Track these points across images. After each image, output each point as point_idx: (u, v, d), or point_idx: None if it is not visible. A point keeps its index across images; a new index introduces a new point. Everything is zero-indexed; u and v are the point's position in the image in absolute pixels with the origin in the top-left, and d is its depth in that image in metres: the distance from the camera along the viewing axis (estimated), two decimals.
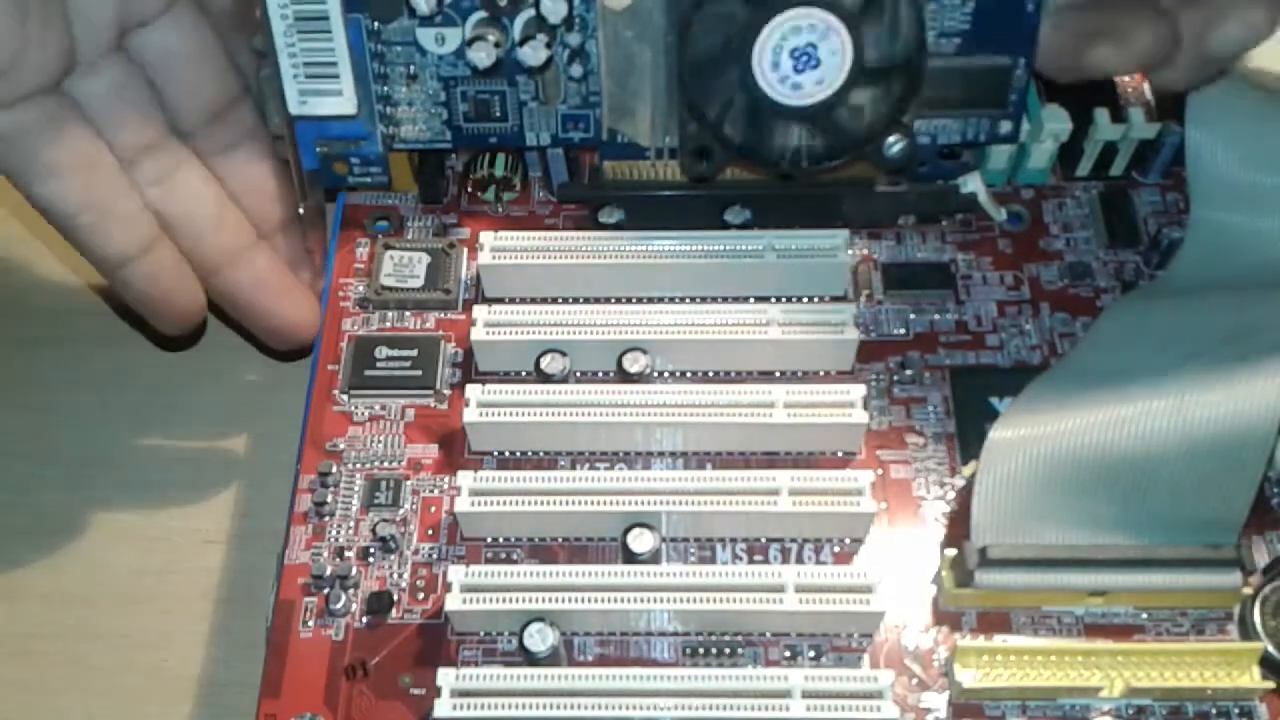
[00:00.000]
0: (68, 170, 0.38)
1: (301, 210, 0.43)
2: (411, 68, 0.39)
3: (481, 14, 0.38)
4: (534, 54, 0.38)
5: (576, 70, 0.39)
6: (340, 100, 0.40)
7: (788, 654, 0.36)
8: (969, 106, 0.40)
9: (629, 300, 0.41)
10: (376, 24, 0.39)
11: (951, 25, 0.38)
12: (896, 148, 0.39)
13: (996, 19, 0.38)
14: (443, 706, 0.33)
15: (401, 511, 0.38)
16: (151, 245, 0.41)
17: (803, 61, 0.36)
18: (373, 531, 0.38)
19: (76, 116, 0.39)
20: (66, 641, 0.42)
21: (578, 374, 0.40)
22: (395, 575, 0.37)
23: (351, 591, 0.37)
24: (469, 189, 0.44)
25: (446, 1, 0.38)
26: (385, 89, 0.40)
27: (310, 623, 0.36)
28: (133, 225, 0.40)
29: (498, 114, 0.41)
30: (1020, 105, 0.40)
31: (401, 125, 0.41)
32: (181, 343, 0.46)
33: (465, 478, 0.36)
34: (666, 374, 0.40)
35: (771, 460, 0.39)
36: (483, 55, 0.38)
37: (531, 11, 0.37)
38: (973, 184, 0.42)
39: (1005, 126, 0.41)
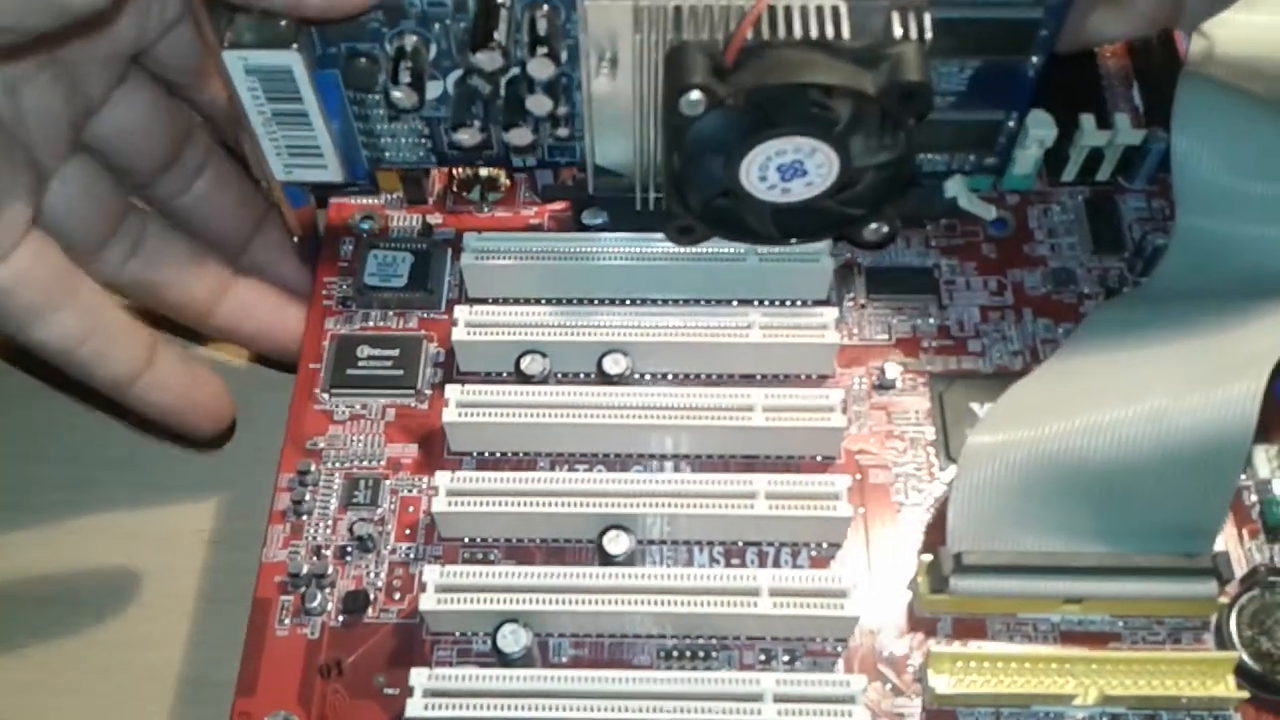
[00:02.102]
0: (60, 305, 0.38)
1: (296, 240, 0.44)
2: (392, 110, 0.39)
3: (460, 72, 0.37)
4: (520, 136, 0.38)
5: (563, 132, 0.39)
6: (326, 171, 0.40)
7: (762, 658, 0.36)
8: (958, 149, 0.41)
9: (611, 302, 0.41)
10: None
11: (948, 87, 0.38)
12: (878, 233, 0.39)
13: (993, 82, 0.38)
14: (414, 706, 0.33)
15: (379, 511, 0.38)
16: (155, 351, 0.40)
17: (790, 173, 0.36)
18: (350, 531, 0.38)
19: (53, 248, 0.38)
20: (66, 641, 0.42)
21: (558, 375, 0.40)
22: (372, 575, 0.37)
23: (328, 590, 0.37)
24: (454, 189, 0.44)
25: (428, 99, 0.38)
26: (366, 125, 0.40)
27: (286, 621, 0.37)
28: (132, 337, 0.40)
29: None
30: (1008, 145, 0.40)
31: (385, 151, 0.41)
32: (218, 440, 0.45)
33: (443, 478, 0.36)
34: (647, 376, 0.40)
35: (751, 464, 0.39)
36: (466, 138, 0.38)
37: (516, 70, 0.37)
38: (955, 188, 0.42)
39: (990, 160, 0.41)
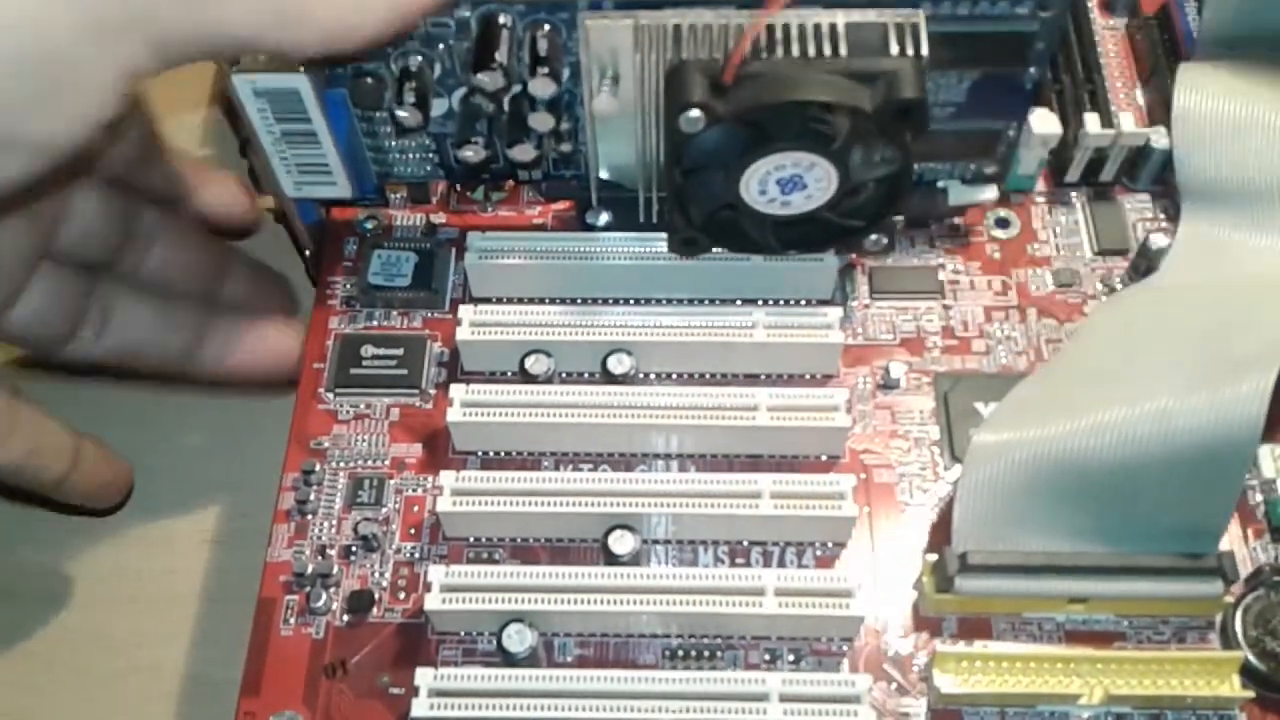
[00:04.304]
0: (6, 434, 0.37)
1: (308, 254, 0.44)
2: (399, 127, 0.39)
3: (464, 90, 0.38)
4: (523, 153, 0.38)
5: (566, 147, 0.39)
6: (335, 188, 0.40)
7: (767, 657, 0.36)
8: (959, 157, 0.41)
9: (615, 301, 0.41)
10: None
11: (946, 97, 0.38)
12: (878, 244, 0.39)
13: (992, 92, 0.38)
14: (420, 706, 0.33)
15: (384, 510, 0.38)
16: (78, 453, 0.40)
17: (790, 187, 0.36)
18: (355, 530, 0.38)
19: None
20: (66, 641, 0.42)
21: (562, 375, 0.40)
22: (377, 574, 0.37)
23: (333, 590, 0.37)
24: (457, 188, 0.44)
25: (433, 116, 0.38)
26: (374, 141, 0.40)
27: (291, 620, 0.37)
28: (63, 448, 0.40)
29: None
30: (1009, 154, 0.40)
31: (394, 166, 0.41)
32: (113, 510, 0.45)
33: (447, 477, 0.36)
34: (651, 376, 0.40)
35: (755, 463, 0.39)
36: (470, 155, 0.38)
37: (519, 87, 0.37)
38: (950, 185, 0.42)
39: (991, 168, 0.41)
